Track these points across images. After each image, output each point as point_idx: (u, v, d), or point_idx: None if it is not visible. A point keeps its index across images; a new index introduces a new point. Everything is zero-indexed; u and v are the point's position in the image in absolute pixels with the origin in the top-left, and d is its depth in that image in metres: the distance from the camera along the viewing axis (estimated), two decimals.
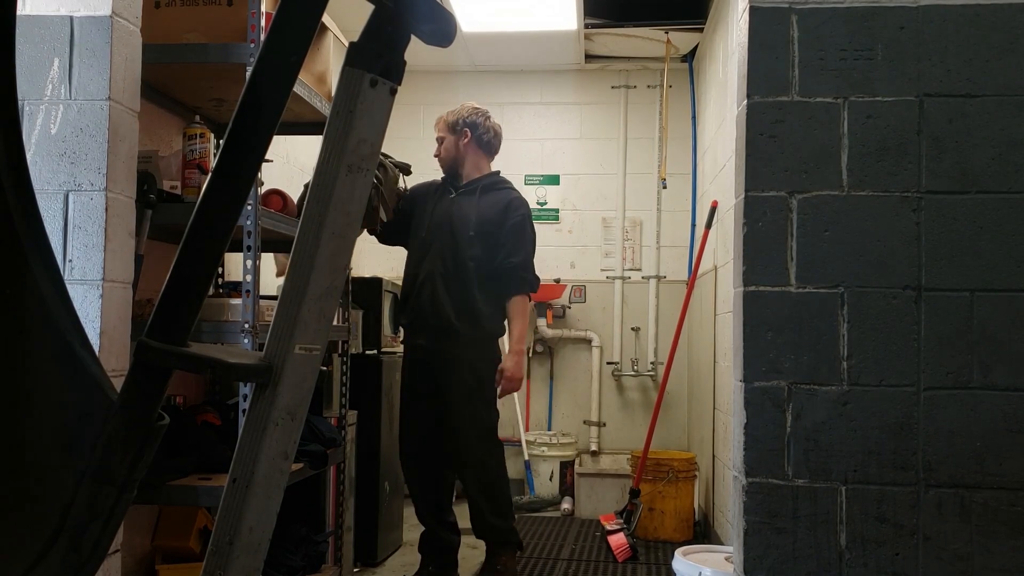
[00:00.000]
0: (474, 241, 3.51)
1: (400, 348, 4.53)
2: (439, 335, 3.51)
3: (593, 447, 5.60)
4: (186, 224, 1.11)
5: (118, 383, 1.11)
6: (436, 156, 3.74)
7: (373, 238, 3.73)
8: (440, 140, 3.73)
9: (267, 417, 1.16)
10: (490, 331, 3.57)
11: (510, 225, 3.54)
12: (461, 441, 3.52)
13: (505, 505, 3.59)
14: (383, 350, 4.17)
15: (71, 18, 2.12)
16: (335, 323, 3.30)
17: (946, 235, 1.83)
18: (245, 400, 2.52)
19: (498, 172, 3.76)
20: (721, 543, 3.87)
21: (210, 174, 1.12)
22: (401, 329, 3.77)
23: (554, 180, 5.75)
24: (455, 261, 3.51)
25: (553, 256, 5.68)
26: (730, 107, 3.97)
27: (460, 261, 3.51)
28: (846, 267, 1.85)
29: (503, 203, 3.58)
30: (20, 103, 2.08)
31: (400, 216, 3.66)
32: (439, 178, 3.80)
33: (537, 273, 3.63)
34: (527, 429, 5.59)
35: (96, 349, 2.04)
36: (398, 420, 3.75)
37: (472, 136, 3.68)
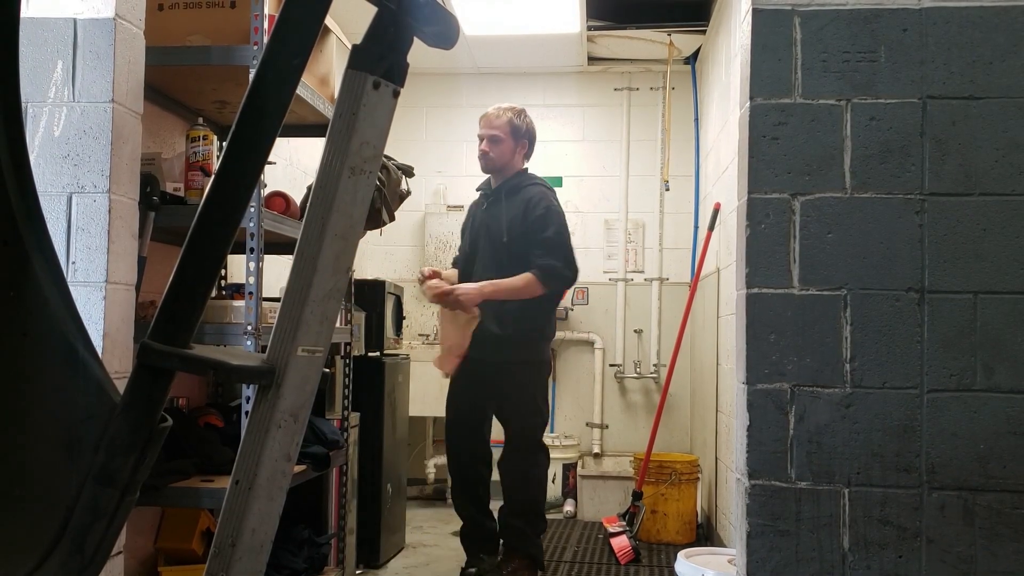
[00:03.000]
0: (509, 246, 3.54)
1: (402, 350, 4.56)
2: (494, 346, 3.52)
3: (596, 449, 5.59)
4: (189, 226, 1.11)
5: (121, 385, 1.11)
6: (486, 153, 3.64)
7: (375, 239, 3.75)
8: (495, 139, 3.64)
9: (270, 419, 1.16)
10: (537, 334, 3.62)
11: (532, 221, 3.54)
12: (518, 449, 3.60)
13: (531, 512, 3.64)
14: (386, 352, 4.17)
15: (74, 20, 2.12)
16: (337, 325, 3.30)
17: (949, 237, 1.83)
18: (248, 402, 2.52)
19: (524, 170, 3.74)
20: (724, 545, 3.86)
21: (213, 176, 1.12)
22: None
23: (557, 182, 5.74)
24: (498, 271, 3.54)
25: None
26: (733, 109, 3.97)
27: (503, 270, 3.53)
28: (849, 269, 1.84)
29: (524, 200, 3.59)
30: (24, 105, 2.08)
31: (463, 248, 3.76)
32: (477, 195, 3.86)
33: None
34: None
35: (99, 351, 2.05)
36: (451, 427, 3.73)
37: (528, 149, 3.74)
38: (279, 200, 2.90)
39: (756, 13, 1.89)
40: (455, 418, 3.71)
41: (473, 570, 3.66)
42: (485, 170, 3.75)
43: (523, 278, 3.47)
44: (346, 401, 3.45)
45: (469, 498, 3.70)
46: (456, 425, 3.71)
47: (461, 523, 3.77)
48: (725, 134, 4.31)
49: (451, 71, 5.79)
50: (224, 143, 1.23)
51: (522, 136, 3.71)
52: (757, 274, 1.87)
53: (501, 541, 3.74)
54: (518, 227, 3.55)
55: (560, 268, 3.52)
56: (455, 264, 3.88)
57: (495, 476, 3.70)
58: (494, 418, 3.73)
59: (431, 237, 5.76)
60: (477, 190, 3.86)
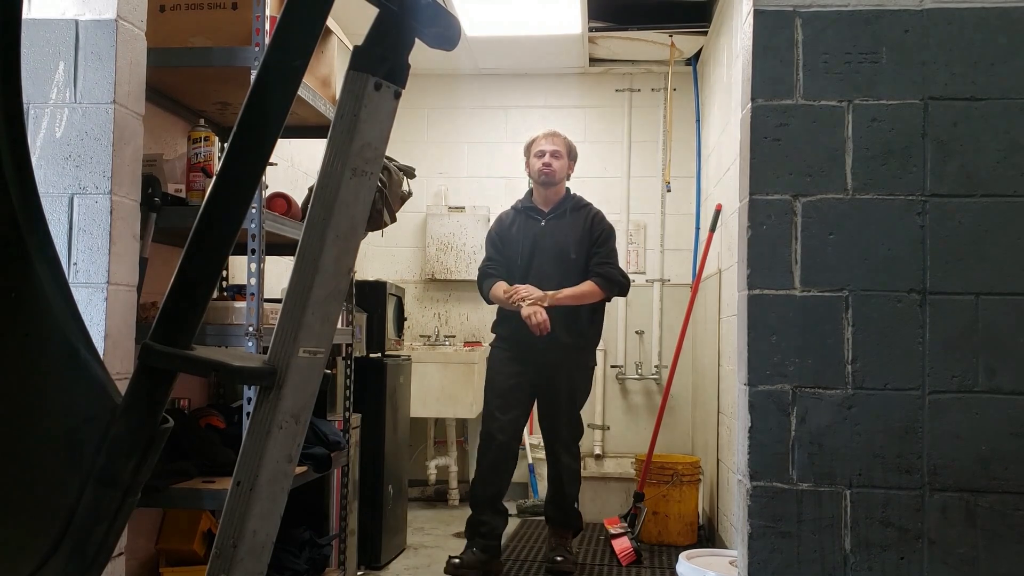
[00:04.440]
0: (577, 261, 3.91)
1: (404, 352, 4.56)
2: (560, 353, 3.90)
3: (597, 451, 5.59)
4: (190, 227, 1.11)
5: (123, 386, 1.11)
6: (549, 167, 3.96)
7: (376, 241, 3.77)
8: (557, 155, 4.00)
9: (271, 420, 1.16)
10: (590, 340, 4.03)
11: (597, 235, 3.98)
12: (560, 435, 3.98)
13: (577, 486, 4.10)
14: (387, 353, 4.17)
15: (76, 22, 2.12)
16: (339, 326, 3.30)
17: (951, 238, 1.83)
18: (249, 403, 2.52)
19: (568, 189, 4.10)
20: (725, 547, 3.86)
21: (214, 177, 1.12)
22: (496, 335, 4.08)
23: None
24: (563, 282, 3.88)
25: None
26: (734, 110, 3.97)
27: (568, 281, 3.88)
28: (850, 270, 1.84)
29: (589, 218, 4.00)
30: (25, 106, 2.08)
31: (502, 257, 4.03)
32: (509, 210, 4.14)
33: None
34: (531, 432, 5.59)
35: (100, 352, 2.05)
36: (492, 413, 3.94)
37: (572, 169, 4.11)
38: (280, 201, 2.90)
39: (758, 14, 1.89)
40: (507, 417, 3.89)
41: (457, 560, 3.80)
42: (544, 183, 4.00)
43: (588, 286, 3.89)
44: (347, 402, 3.45)
45: (493, 496, 3.89)
46: (506, 423, 3.89)
47: (473, 516, 3.92)
48: (727, 135, 4.31)
49: (453, 72, 5.79)
50: (226, 144, 1.23)
51: (573, 157, 4.09)
52: (759, 275, 1.87)
53: (502, 541, 3.94)
54: (585, 243, 3.94)
55: (618, 276, 3.96)
56: (490, 272, 4.03)
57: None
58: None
59: (432, 238, 5.76)
60: (519, 208, 4.08)
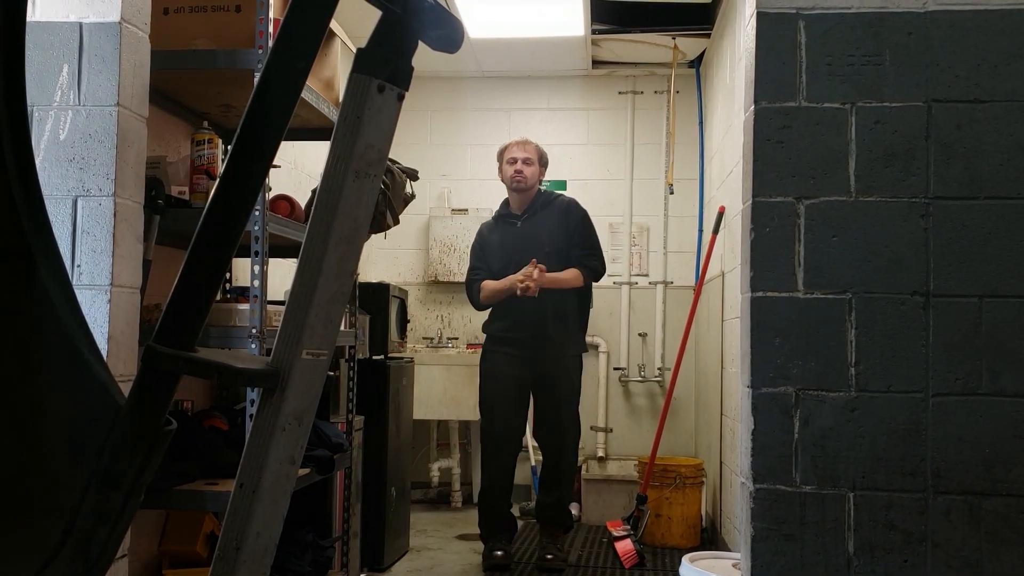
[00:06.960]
0: (551, 253, 4.06)
1: (406, 354, 4.57)
2: (552, 342, 4.06)
3: (600, 453, 5.58)
4: (194, 229, 1.11)
5: (126, 388, 1.11)
6: (520, 175, 4.13)
7: (379, 243, 3.80)
8: (528, 162, 4.16)
9: (274, 422, 1.16)
10: (578, 329, 4.20)
11: (574, 225, 4.14)
12: (564, 433, 4.09)
13: (569, 482, 4.23)
14: (390, 355, 4.17)
15: (80, 24, 2.13)
16: (342, 328, 3.30)
17: (954, 241, 1.83)
18: (252, 405, 2.52)
19: (540, 189, 4.29)
20: (728, 549, 3.86)
21: (218, 180, 1.12)
22: (488, 336, 4.24)
23: (561, 186, 5.74)
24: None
25: None
26: (737, 112, 3.97)
27: (549, 271, 4.02)
28: (854, 273, 1.84)
29: (561, 210, 4.17)
30: (29, 109, 2.08)
31: (486, 265, 4.19)
32: (489, 220, 4.37)
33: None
34: (534, 434, 5.59)
35: (104, 354, 2.06)
36: (494, 410, 4.10)
37: (544, 174, 4.28)
38: (284, 204, 2.90)
39: (761, 17, 1.89)
40: (506, 410, 4.04)
41: (500, 553, 3.97)
42: (517, 189, 4.18)
43: (571, 272, 4.06)
44: (350, 404, 3.45)
45: (501, 489, 4.06)
46: (504, 417, 4.04)
47: (480, 515, 4.11)
48: (729, 138, 4.31)
49: (456, 74, 5.80)
50: (229, 147, 1.23)
51: (544, 163, 4.26)
52: (762, 278, 1.86)
53: (519, 524, 4.21)
54: (559, 233, 4.10)
55: (599, 267, 4.17)
56: (476, 278, 4.19)
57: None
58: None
59: (435, 240, 5.76)
60: (496, 217, 4.30)
